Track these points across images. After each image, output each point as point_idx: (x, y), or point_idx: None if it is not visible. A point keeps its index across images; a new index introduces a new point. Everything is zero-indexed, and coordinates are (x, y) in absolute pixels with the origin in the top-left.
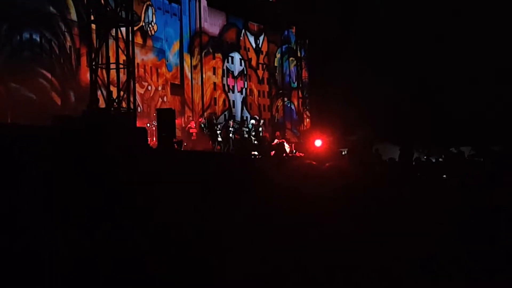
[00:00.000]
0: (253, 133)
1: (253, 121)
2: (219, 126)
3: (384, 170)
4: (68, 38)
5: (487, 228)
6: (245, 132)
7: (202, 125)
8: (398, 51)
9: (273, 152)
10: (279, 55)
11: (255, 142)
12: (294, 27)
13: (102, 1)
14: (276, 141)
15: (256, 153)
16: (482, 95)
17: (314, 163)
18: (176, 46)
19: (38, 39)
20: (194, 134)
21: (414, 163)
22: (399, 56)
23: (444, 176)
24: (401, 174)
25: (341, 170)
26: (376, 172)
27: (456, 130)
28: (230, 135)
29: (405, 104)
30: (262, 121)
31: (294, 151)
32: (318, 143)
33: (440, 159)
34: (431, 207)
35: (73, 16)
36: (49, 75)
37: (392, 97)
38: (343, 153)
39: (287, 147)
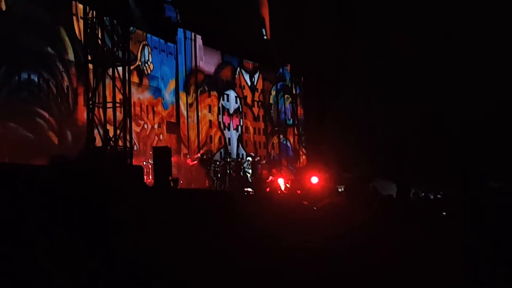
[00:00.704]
0: (250, 171)
1: (249, 159)
2: (217, 163)
3: (382, 207)
4: (66, 78)
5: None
6: (241, 170)
7: (203, 157)
8: (395, 89)
9: (268, 189)
10: (274, 92)
11: (251, 179)
12: (288, 65)
13: (99, 41)
14: (271, 178)
15: (250, 189)
16: (482, 132)
17: (305, 203)
18: (172, 85)
19: (36, 79)
20: (194, 166)
21: (413, 198)
22: (395, 93)
23: (444, 213)
24: (400, 212)
25: (338, 208)
26: (374, 209)
27: (454, 167)
28: (228, 171)
29: (403, 141)
30: (258, 158)
31: (289, 187)
32: (314, 180)
33: (439, 195)
34: (435, 246)
35: (71, 56)
36: (46, 115)
37: (389, 134)
38: (340, 190)
39: (282, 184)
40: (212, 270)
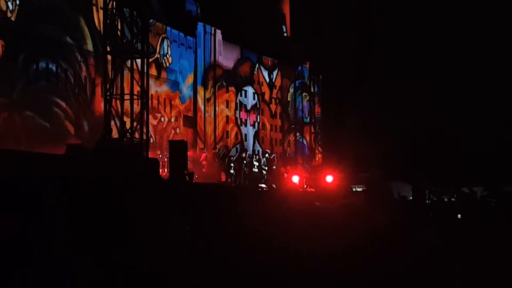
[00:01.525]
0: (265, 167)
1: (267, 155)
2: (232, 159)
3: (398, 209)
4: (84, 68)
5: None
6: (255, 166)
7: (217, 157)
8: (413, 90)
9: (282, 186)
10: (292, 90)
11: (266, 175)
12: (308, 63)
13: (119, 33)
14: (285, 175)
15: (264, 186)
16: (495, 136)
17: (317, 203)
18: (190, 79)
19: (54, 68)
20: (205, 166)
21: (428, 201)
22: (414, 94)
23: (459, 216)
24: (418, 215)
25: (356, 209)
26: (390, 211)
27: (469, 170)
28: (244, 168)
29: (419, 143)
30: (274, 155)
31: (305, 186)
32: (329, 179)
33: (452, 199)
34: (449, 249)
35: (90, 46)
36: (63, 104)
37: (405, 135)
38: (354, 189)
39: (296, 182)
40: (222, 264)
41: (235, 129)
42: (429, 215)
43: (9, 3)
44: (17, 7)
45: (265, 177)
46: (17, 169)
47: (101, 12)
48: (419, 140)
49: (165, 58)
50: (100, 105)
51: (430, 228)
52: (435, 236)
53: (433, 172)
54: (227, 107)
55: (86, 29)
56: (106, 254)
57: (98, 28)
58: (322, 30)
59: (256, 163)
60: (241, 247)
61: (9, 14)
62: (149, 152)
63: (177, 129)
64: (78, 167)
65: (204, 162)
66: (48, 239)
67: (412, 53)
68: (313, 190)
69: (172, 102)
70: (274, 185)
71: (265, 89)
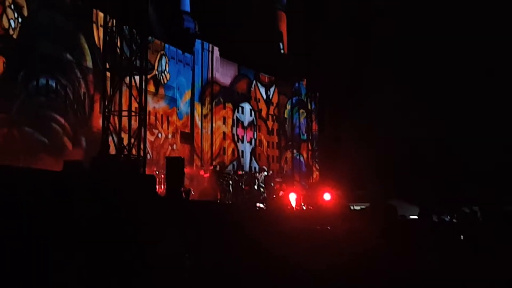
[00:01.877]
0: (263, 185)
1: (265, 173)
2: (229, 176)
3: (399, 231)
4: (83, 85)
5: None
6: (255, 183)
7: (217, 169)
8: (412, 108)
9: (278, 204)
10: (289, 106)
11: (264, 194)
12: (305, 80)
13: (118, 50)
14: (281, 193)
15: (261, 205)
16: (497, 153)
17: (318, 227)
18: (187, 95)
19: (54, 85)
20: (206, 179)
21: (431, 222)
22: (414, 111)
23: (462, 237)
24: (417, 238)
25: (358, 233)
26: (392, 233)
27: (469, 188)
28: (241, 184)
29: (418, 160)
30: (271, 173)
31: (302, 204)
32: (327, 196)
33: (454, 219)
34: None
35: (89, 63)
36: (62, 120)
37: (404, 153)
38: (352, 207)
39: (293, 200)
40: (215, 283)
41: (232, 145)
42: (430, 238)
43: (12, 21)
44: (19, 25)
45: (264, 195)
46: (15, 185)
47: (101, 29)
48: (419, 157)
49: (163, 74)
50: (98, 121)
51: (432, 252)
52: (437, 261)
53: (433, 191)
54: (224, 123)
55: (86, 46)
56: (104, 271)
57: (98, 45)
58: (319, 47)
59: (255, 181)
60: (237, 265)
61: (11, 32)
62: (146, 169)
63: (174, 145)
64: (75, 183)
65: (205, 174)
66: (41, 257)
67: (411, 69)
68: (311, 208)
69: (170, 118)
70: (270, 204)
71: (262, 105)
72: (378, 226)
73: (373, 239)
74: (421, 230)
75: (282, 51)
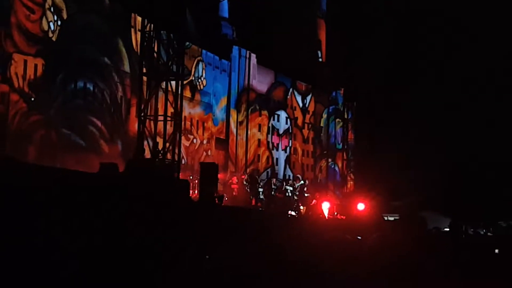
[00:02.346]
0: (297, 193)
1: (302, 182)
2: (261, 184)
3: (432, 243)
4: (120, 89)
5: None
6: (288, 191)
7: (245, 182)
8: (450, 121)
9: (310, 212)
10: (325, 115)
11: (297, 202)
12: (342, 89)
13: (155, 55)
14: (314, 201)
15: (293, 213)
16: None
17: (348, 236)
18: (223, 102)
19: (91, 88)
20: (235, 189)
21: (463, 235)
22: (450, 126)
23: (496, 251)
24: (450, 251)
25: (388, 242)
26: (425, 245)
27: (507, 202)
28: (272, 193)
29: (454, 173)
30: (306, 181)
31: (336, 213)
32: (360, 206)
33: (489, 233)
34: None
35: (126, 67)
36: (99, 123)
37: (441, 166)
38: (386, 218)
39: (326, 209)
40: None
41: (267, 153)
42: (466, 250)
43: (51, 23)
44: (58, 28)
45: (297, 203)
46: (51, 186)
47: (139, 34)
48: (454, 169)
49: (199, 80)
50: (134, 125)
51: (466, 263)
52: (472, 271)
53: (468, 204)
54: (259, 130)
55: (123, 50)
56: (138, 276)
57: (136, 50)
58: (359, 56)
59: (290, 188)
60: (265, 271)
61: (50, 34)
62: (180, 174)
63: (209, 151)
64: (110, 186)
65: (234, 186)
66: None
67: (449, 81)
68: (344, 217)
69: (205, 124)
70: (302, 212)
71: (298, 114)
72: (408, 237)
73: (401, 249)
74: (451, 242)
75: (320, 59)
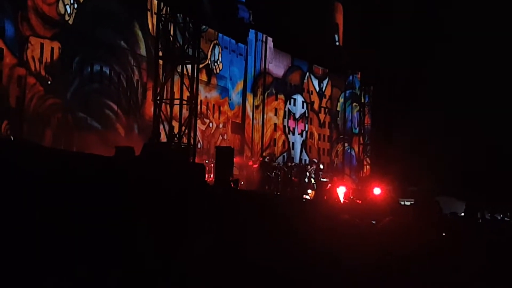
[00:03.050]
0: (313, 177)
1: (321, 166)
2: (279, 167)
3: (448, 227)
4: (136, 72)
5: None
6: (306, 176)
7: (261, 166)
8: (470, 105)
9: (326, 196)
10: (342, 99)
11: (315, 186)
12: (359, 73)
13: (171, 38)
14: (329, 186)
15: (308, 196)
16: None
17: (357, 220)
18: (239, 86)
19: (107, 71)
20: (255, 169)
21: (480, 220)
22: (470, 110)
23: None
24: (469, 233)
25: (401, 226)
26: (440, 229)
27: None
28: (289, 176)
29: (472, 158)
30: (322, 166)
31: (352, 197)
32: (377, 191)
33: (506, 218)
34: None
35: (143, 51)
36: (115, 107)
37: (459, 151)
38: (402, 203)
39: (341, 193)
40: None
41: (283, 137)
42: (479, 236)
43: (67, 7)
44: (74, 11)
45: (315, 187)
46: (66, 169)
47: (155, 17)
48: (471, 154)
49: (215, 64)
50: (150, 109)
51: (481, 248)
52: (483, 259)
53: (486, 188)
54: (275, 114)
55: (140, 33)
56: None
57: (152, 33)
58: (377, 40)
59: (307, 173)
60: (282, 254)
61: (67, 17)
62: (196, 157)
63: (225, 135)
64: (127, 169)
65: (255, 165)
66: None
67: (467, 64)
68: (359, 202)
69: (221, 108)
70: (311, 196)
71: (315, 98)
72: (420, 221)
73: (413, 233)
74: (466, 227)
75: (337, 43)
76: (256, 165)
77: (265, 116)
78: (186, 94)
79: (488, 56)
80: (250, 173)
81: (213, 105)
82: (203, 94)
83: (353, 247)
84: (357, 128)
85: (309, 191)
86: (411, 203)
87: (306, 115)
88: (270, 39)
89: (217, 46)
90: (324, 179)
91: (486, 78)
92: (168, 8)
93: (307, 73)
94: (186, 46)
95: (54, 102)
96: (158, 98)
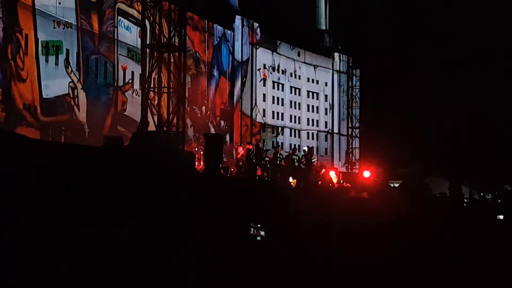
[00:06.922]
0: (303, 161)
1: (305, 149)
2: (266, 153)
3: (434, 206)
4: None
5: None
6: (295, 161)
7: (250, 152)
8: (455, 85)
9: (320, 181)
10: (330, 83)
11: (304, 171)
12: (347, 56)
13: (157, 26)
14: (323, 170)
15: (291, 180)
16: None
17: (365, 194)
18: (227, 72)
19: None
20: (242, 159)
21: (467, 200)
22: (455, 89)
23: (501, 217)
24: (451, 213)
25: (391, 204)
26: (426, 208)
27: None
28: (278, 162)
29: (460, 138)
30: (311, 147)
31: (342, 181)
32: (366, 174)
33: (499, 200)
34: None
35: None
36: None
37: (446, 131)
38: (392, 185)
39: (334, 177)
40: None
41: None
42: (465, 216)
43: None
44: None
45: (305, 173)
46: (55, 160)
47: (140, 5)
48: (461, 133)
49: (203, 52)
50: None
51: (465, 228)
52: (463, 237)
53: (474, 168)
54: (264, 101)
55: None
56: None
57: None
58: (363, 22)
59: (295, 157)
60: (279, 236)
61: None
62: (185, 145)
63: (214, 123)
64: (115, 159)
65: (244, 151)
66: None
67: (451, 45)
68: (349, 185)
69: (209, 96)
70: (292, 184)
71: (303, 82)
72: (408, 201)
73: (398, 212)
74: (452, 207)
75: (324, 27)
76: (245, 151)
77: (253, 102)
78: (173, 82)
79: (472, 35)
80: (239, 159)
81: (201, 92)
82: (191, 81)
83: (355, 217)
84: (345, 112)
85: (291, 179)
86: (399, 185)
87: (294, 100)
88: (256, 25)
89: (204, 33)
90: (314, 160)
91: (472, 57)
92: None
93: (294, 58)
94: (172, 33)
95: None
96: (146, 86)
